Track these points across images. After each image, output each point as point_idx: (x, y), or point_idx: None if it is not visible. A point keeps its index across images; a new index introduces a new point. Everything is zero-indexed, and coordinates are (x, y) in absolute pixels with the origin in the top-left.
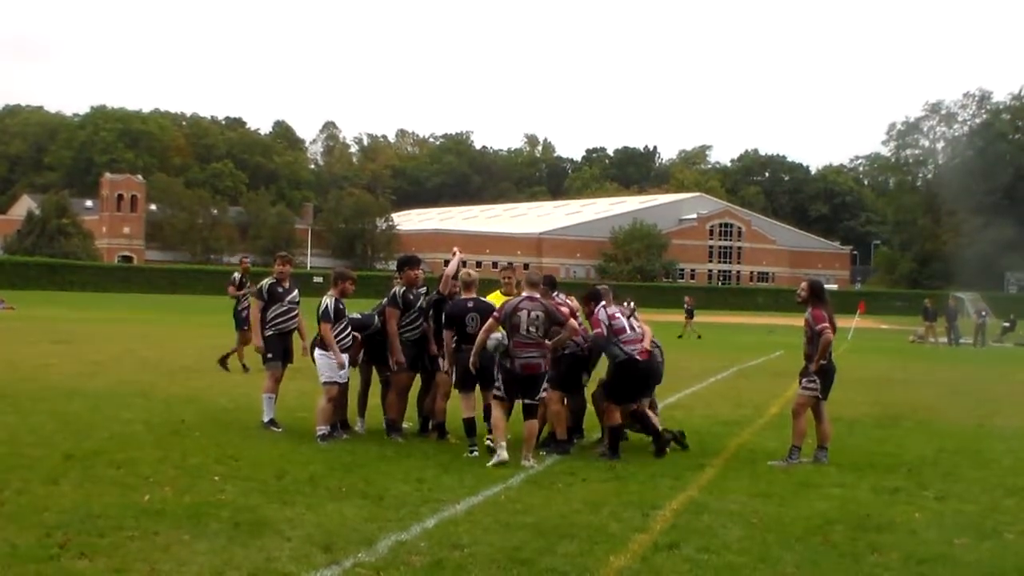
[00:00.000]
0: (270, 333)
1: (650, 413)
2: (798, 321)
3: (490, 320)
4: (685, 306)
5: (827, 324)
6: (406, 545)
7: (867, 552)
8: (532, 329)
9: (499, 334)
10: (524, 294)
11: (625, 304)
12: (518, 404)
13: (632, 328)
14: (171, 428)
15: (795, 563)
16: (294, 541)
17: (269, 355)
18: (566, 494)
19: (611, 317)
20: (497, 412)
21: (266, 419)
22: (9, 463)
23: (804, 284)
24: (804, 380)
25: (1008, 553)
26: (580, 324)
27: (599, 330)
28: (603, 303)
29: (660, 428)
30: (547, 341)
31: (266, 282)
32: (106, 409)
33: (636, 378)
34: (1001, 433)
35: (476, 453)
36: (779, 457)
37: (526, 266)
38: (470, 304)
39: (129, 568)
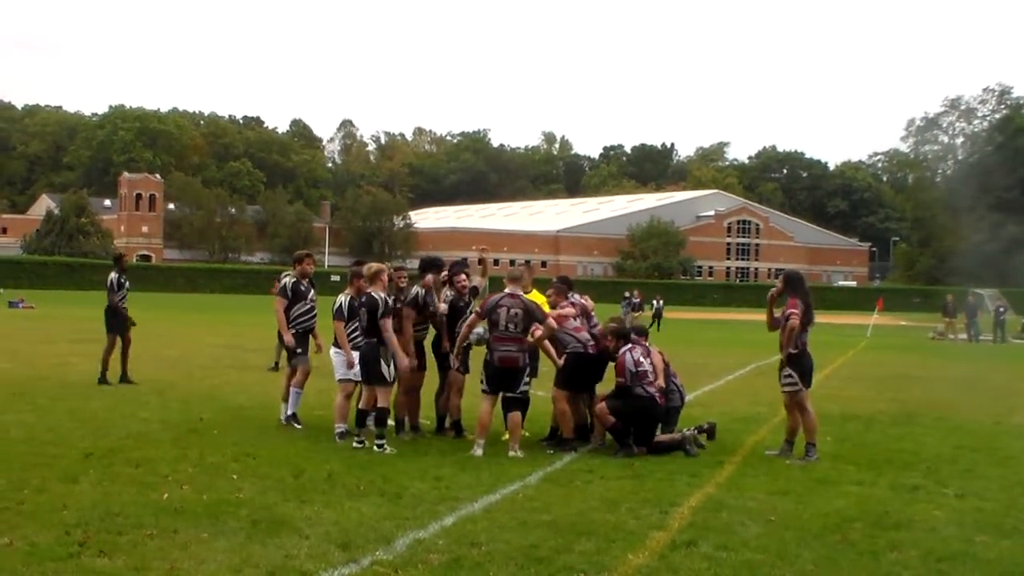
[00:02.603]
0: (293, 331)
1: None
2: (817, 318)
3: (472, 315)
4: (628, 298)
5: (796, 311)
6: (424, 543)
7: (886, 550)
8: (511, 325)
9: (481, 329)
10: (506, 290)
11: (655, 301)
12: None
13: (652, 370)
14: (189, 426)
15: (813, 561)
16: (312, 539)
17: (299, 350)
18: (584, 492)
19: (636, 364)
20: (484, 406)
21: (289, 412)
22: (28, 461)
23: (781, 276)
24: (782, 376)
25: None
26: (597, 325)
27: (621, 379)
28: (629, 346)
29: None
30: (528, 338)
31: (289, 280)
32: (124, 407)
33: (650, 415)
34: (1020, 431)
35: (362, 445)
36: (797, 455)
37: (543, 264)
38: (363, 299)
39: (148, 566)
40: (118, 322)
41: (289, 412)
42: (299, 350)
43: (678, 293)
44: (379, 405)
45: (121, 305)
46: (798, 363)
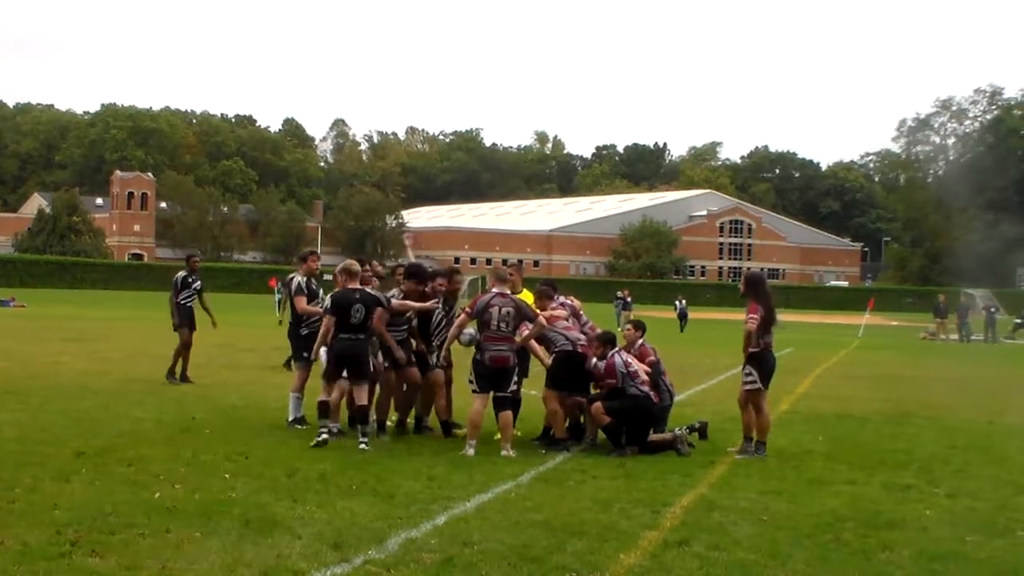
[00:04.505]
0: (306, 332)
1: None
2: (809, 318)
3: (462, 316)
4: (621, 298)
5: (755, 316)
6: (416, 542)
7: (878, 549)
8: (502, 325)
9: (471, 329)
10: (495, 290)
11: (678, 302)
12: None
13: (641, 373)
14: (182, 426)
15: (805, 560)
16: (305, 539)
17: (306, 353)
18: (576, 491)
19: (626, 364)
20: (476, 406)
21: (291, 417)
22: (20, 460)
23: (743, 277)
24: (743, 374)
25: (1019, 550)
26: (588, 323)
27: (612, 380)
28: (617, 348)
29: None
30: (517, 337)
31: (302, 280)
32: (117, 406)
33: (646, 414)
34: (1012, 430)
35: (324, 437)
36: (787, 452)
37: (536, 263)
38: (357, 296)
39: (140, 565)
40: (185, 320)
41: (291, 418)
42: (306, 353)
43: (670, 293)
44: (359, 403)
45: (184, 304)
46: (760, 362)
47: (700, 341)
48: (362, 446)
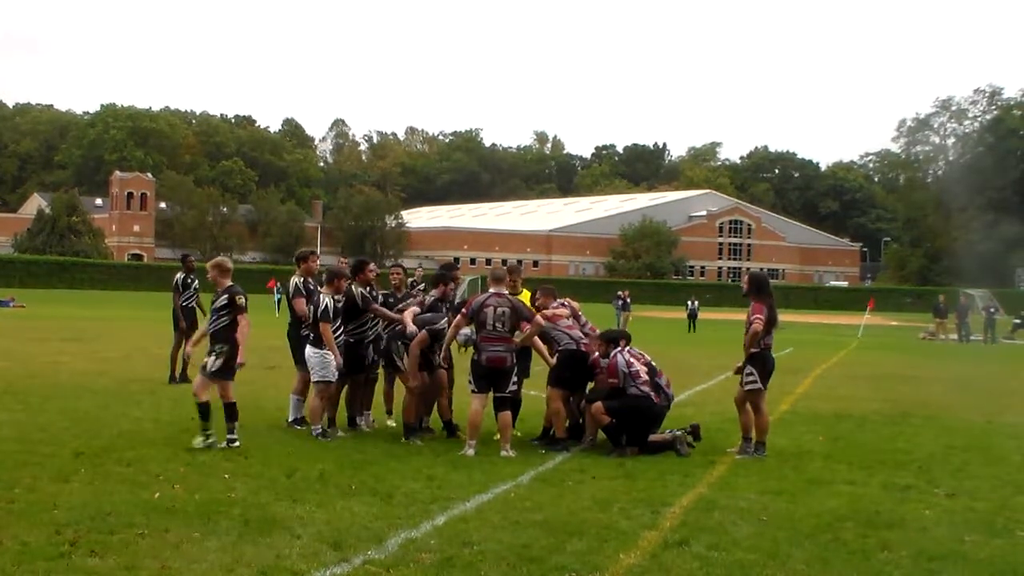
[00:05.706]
0: (305, 333)
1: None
2: (809, 318)
3: (459, 316)
4: (620, 298)
5: (760, 316)
6: (416, 543)
7: (877, 549)
8: (498, 325)
9: (468, 330)
10: (491, 290)
11: (690, 303)
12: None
13: (642, 373)
14: (181, 426)
15: (805, 560)
16: (304, 539)
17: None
18: (576, 491)
19: (628, 364)
20: (475, 406)
21: (291, 418)
22: (19, 460)
23: (746, 277)
24: (743, 374)
25: (1018, 550)
26: (587, 324)
27: (614, 380)
28: (619, 348)
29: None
30: (514, 337)
31: (300, 280)
32: (116, 407)
33: (647, 414)
34: (1011, 430)
35: (212, 440)
36: (787, 452)
37: (535, 264)
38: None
39: (140, 565)
40: (190, 321)
41: (290, 418)
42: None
43: (670, 293)
44: (229, 401)
45: (187, 305)
46: (760, 362)
47: (702, 341)
48: (227, 443)
